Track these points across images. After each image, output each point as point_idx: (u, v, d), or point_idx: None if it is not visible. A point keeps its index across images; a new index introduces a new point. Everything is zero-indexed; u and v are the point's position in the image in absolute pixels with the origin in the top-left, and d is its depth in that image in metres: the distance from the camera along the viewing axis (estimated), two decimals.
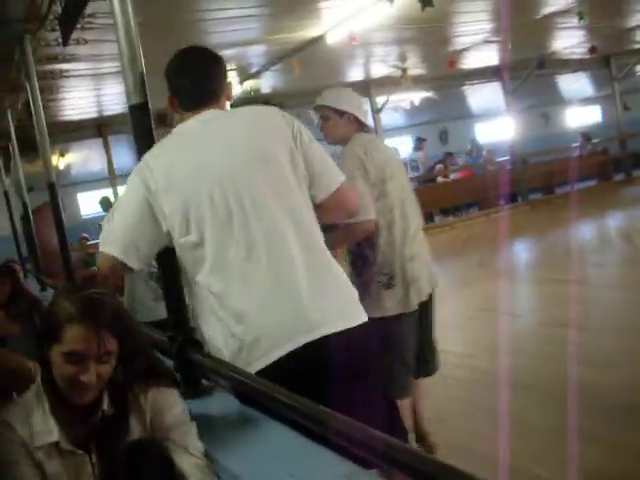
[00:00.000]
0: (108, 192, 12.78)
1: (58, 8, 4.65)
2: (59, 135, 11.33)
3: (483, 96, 18.34)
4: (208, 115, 2.31)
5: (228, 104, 2.46)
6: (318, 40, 9.10)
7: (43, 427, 1.73)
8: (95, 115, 12.23)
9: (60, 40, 5.04)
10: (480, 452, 3.36)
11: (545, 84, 18.87)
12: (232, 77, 11.57)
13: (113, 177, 12.82)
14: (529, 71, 15.64)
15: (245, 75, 11.48)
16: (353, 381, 2.08)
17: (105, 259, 2.23)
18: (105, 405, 1.78)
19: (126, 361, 1.80)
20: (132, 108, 2.30)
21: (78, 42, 6.46)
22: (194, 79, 2.36)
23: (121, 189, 12.54)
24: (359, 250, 3.43)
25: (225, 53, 9.42)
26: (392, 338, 3.36)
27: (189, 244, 2.16)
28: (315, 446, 1.65)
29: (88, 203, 16.03)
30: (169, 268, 2.33)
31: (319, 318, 2.11)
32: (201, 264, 2.16)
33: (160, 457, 1.69)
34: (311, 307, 2.11)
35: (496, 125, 19.59)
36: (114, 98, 10.95)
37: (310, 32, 8.88)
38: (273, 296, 2.11)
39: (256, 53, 9.99)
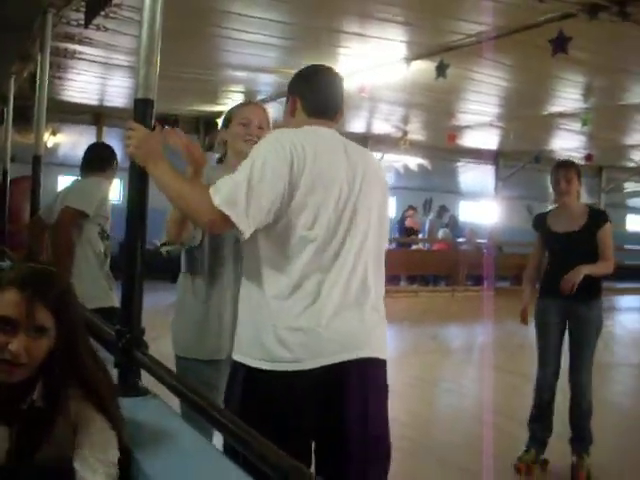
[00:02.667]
0: None
1: None
2: (55, 113, 11.27)
3: (475, 176, 18.56)
4: (331, 132, 2.45)
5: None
6: None
7: None
8: (95, 103, 12.22)
9: (81, 21, 5.07)
10: None
11: (536, 179, 19.18)
12: (237, 100, 11.66)
13: None
14: (524, 163, 15.91)
15: (250, 100, 11.56)
16: None
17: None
18: (35, 395, 1.68)
19: (67, 361, 1.71)
20: (138, 101, 2.32)
21: (98, 28, 6.51)
22: (330, 89, 2.53)
23: None
24: None
25: (236, 74, 9.54)
26: None
27: (308, 239, 2.27)
28: (225, 461, 1.69)
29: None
30: (133, 258, 2.31)
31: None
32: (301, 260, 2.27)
33: None
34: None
35: (480, 207, 19.82)
36: (118, 91, 10.98)
37: None
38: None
39: (266, 81, 10.07)
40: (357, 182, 2.37)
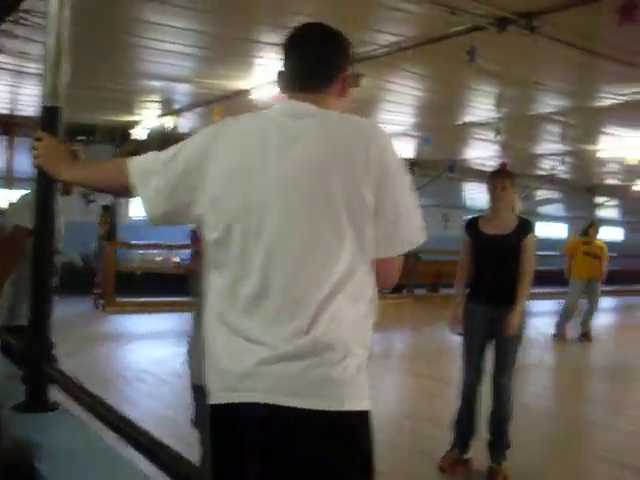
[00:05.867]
0: (2, 193, 12.43)
1: None
2: None
3: None
4: (299, 108, 1.90)
5: (342, 102, 2.03)
6: (244, 93, 9.20)
7: None
8: (6, 112, 11.93)
9: None
10: None
11: (451, 187, 19.61)
12: (153, 109, 11.55)
13: (10, 178, 12.48)
14: (439, 172, 16.22)
15: (166, 110, 11.48)
16: None
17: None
18: None
19: None
20: (45, 109, 2.28)
21: (8, 35, 6.34)
22: (304, 54, 1.97)
23: (17, 192, 12.22)
24: None
25: (152, 84, 9.45)
26: None
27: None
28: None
29: None
30: (42, 271, 2.26)
31: None
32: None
33: None
34: None
35: None
36: (29, 100, 10.73)
37: (238, 84, 8.99)
38: None
39: (182, 91, 10.02)
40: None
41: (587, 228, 11.54)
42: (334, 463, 1.77)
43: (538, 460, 5.20)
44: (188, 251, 15.04)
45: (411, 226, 1.93)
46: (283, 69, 2.01)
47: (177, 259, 14.89)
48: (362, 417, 1.79)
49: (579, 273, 10.92)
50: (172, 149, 1.97)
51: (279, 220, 1.79)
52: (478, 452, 4.85)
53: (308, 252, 1.78)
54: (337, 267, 1.78)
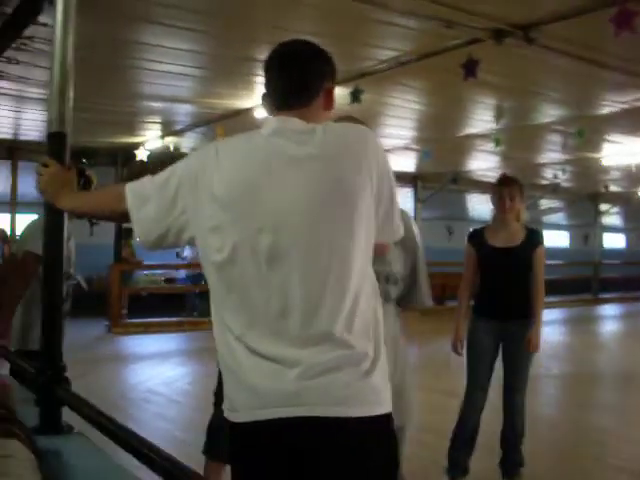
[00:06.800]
0: (5, 217, 12.48)
1: None
2: None
3: None
4: (292, 124, 1.92)
5: (328, 115, 2.05)
6: (246, 112, 9.23)
7: None
8: (8, 137, 11.99)
9: None
10: None
11: (454, 200, 19.62)
12: (155, 130, 11.61)
13: (13, 203, 12.53)
14: (442, 184, 16.25)
15: (168, 131, 11.53)
16: None
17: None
18: None
19: None
20: (51, 136, 2.30)
21: (10, 61, 6.39)
22: (284, 72, 1.99)
23: (21, 216, 12.26)
24: None
25: (152, 105, 9.50)
26: None
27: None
28: None
29: None
30: (53, 294, 2.27)
31: None
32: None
33: None
34: None
35: None
36: (32, 124, 10.80)
37: (240, 103, 9.03)
38: None
39: (183, 111, 10.07)
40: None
41: None
42: (378, 466, 1.86)
43: (552, 470, 5.16)
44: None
45: (397, 220, 2.06)
46: (266, 90, 2.04)
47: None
48: (390, 419, 1.89)
49: None
50: (166, 172, 1.99)
51: (295, 235, 1.82)
52: (489, 471, 4.75)
53: (329, 262, 1.81)
54: (354, 271, 1.84)
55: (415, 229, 3.36)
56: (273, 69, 2.02)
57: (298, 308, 1.79)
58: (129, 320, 13.01)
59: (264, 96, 2.05)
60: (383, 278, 3.13)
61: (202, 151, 2.01)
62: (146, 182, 2.02)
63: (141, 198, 1.98)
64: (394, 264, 3.21)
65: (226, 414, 1.89)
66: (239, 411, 1.83)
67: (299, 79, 1.98)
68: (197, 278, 14.30)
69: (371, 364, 1.83)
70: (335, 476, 1.81)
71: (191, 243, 1.95)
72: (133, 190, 2.01)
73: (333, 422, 1.77)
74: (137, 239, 2.02)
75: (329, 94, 2.03)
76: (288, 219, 1.81)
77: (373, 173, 1.90)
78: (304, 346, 1.79)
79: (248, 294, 1.82)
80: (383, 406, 1.85)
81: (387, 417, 1.87)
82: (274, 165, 1.86)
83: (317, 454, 1.79)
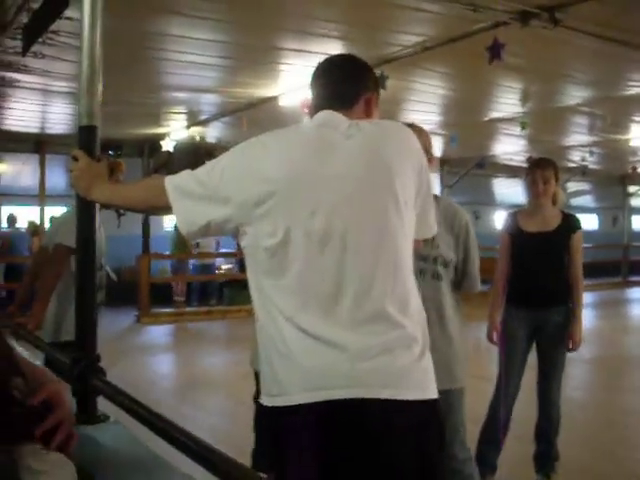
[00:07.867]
0: (35, 210, 12.60)
1: (24, 18, 4.65)
2: None
3: None
4: (338, 116, 2.06)
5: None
6: (272, 100, 9.24)
7: None
8: (36, 130, 12.08)
9: (18, 49, 5.03)
10: None
11: (481, 184, 19.48)
12: (180, 121, 11.65)
13: (42, 196, 12.64)
14: (468, 168, 16.15)
15: (193, 121, 11.56)
16: None
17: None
18: None
19: None
20: (82, 129, 2.32)
21: (35, 55, 6.45)
22: (330, 79, 2.17)
23: (49, 209, 12.38)
24: None
25: (178, 96, 9.52)
26: None
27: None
28: None
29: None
30: (86, 285, 2.30)
31: None
32: None
33: None
34: None
35: None
36: (59, 117, 10.87)
37: (265, 91, 9.02)
38: None
39: (208, 101, 10.07)
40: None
41: None
42: (432, 448, 1.94)
43: (589, 454, 5.13)
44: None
45: (433, 216, 2.18)
46: (312, 95, 2.20)
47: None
48: (438, 403, 1.96)
49: None
50: (207, 165, 2.03)
51: (347, 217, 1.89)
52: (523, 465, 4.60)
53: (381, 245, 1.90)
54: (403, 253, 1.95)
55: (466, 218, 3.49)
56: (319, 78, 2.20)
57: (351, 289, 1.85)
58: (157, 310, 13.10)
59: (311, 102, 2.20)
60: (432, 259, 3.28)
61: (246, 143, 2.05)
62: (184, 175, 2.05)
63: (182, 191, 2.02)
64: (442, 247, 3.31)
65: (270, 400, 1.90)
66: (291, 394, 1.85)
67: (342, 84, 2.15)
68: (205, 269, 14.55)
69: (421, 347, 1.91)
70: (390, 458, 1.84)
71: (234, 232, 1.98)
72: (173, 183, 2.04)
73: (389, 404, 1.81)
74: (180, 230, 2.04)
75: (369, 102, 2.18)
76: (339, 202, 1.89)
77: (415, 164, 2.02)
78: (358, 327, 1.84)
79: (301, 276, 1.87)
80: (433, 391, 1.92)
81: (436, 402, 1.93)
82: (324, 151, 1.96)
83: (372, 436, 1.82)
